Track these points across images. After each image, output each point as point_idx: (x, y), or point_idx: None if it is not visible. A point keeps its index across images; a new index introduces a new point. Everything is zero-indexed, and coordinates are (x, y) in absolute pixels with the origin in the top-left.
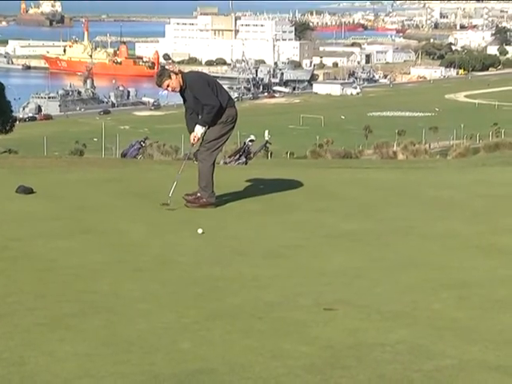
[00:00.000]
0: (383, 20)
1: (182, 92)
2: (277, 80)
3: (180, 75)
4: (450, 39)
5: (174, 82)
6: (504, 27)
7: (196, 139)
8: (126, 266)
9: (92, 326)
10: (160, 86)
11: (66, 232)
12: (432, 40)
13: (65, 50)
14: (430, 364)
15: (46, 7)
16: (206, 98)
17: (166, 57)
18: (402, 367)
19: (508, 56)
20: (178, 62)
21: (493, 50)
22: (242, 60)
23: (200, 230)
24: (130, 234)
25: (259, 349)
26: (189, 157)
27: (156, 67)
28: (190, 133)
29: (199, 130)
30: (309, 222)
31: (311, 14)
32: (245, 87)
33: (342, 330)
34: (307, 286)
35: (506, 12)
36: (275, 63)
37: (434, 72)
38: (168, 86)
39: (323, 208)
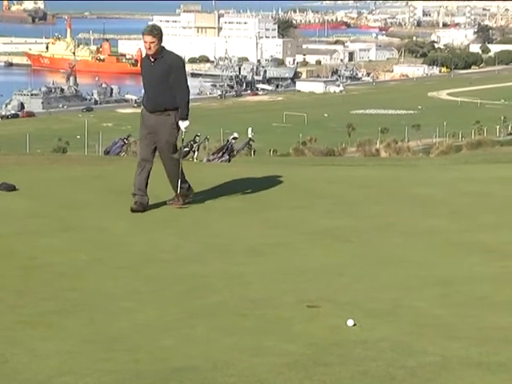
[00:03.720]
0: (366, 18)
1: (146, 63)
2: (260, 77)
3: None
4: (433, 37)
5: (157, 45)
6: (486, 25)
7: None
8: (109, 264)
9: (74, 323)
10: (145, 35)
11: (48, 229)
12: (415, 38)
13: (47, 47)
14: (412, 361)
15: (28, 4)
16: (185, 83)
17: None
18: (384, 364)
19: (490, 54)
20: None
21: (475, 48)
22: (225, 57)
23: (350, 322)
24: (112, 232)
25: (242, 346)
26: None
27: (139, 64)
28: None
29: (185, 124)
30: (291, 220)
31: (294, 11)
32: (228, 85)
33: (324, 328)
34: (290, 284)
35: (489, 10)
36: (258, 61)
37: (416, 70)
38: (151, 43)
39: (306, 205)
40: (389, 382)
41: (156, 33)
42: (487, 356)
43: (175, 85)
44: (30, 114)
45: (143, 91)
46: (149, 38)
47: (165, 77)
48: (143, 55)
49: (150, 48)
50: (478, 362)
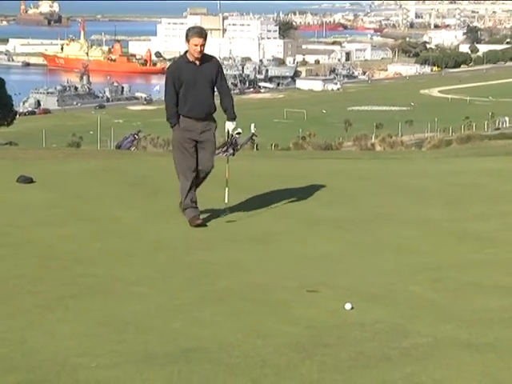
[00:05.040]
0: (362, 20)
1: (189, 67)
2: (262, 76)
3: None
4: (425, 38)
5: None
6: (475, 27)
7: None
8: (121, 252)
9: (89, 307)
10: (196, 38)
11: (64, 219)
12: (408, 39)
13: (62, 48)
14: (406, 342)
15: (44, 7)
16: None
17: (158, 54)
18: (380, 345)
19: (478, 54)
20: (169, 60)
21: (464, 48)
22: (229, 57)
23: (348, 306)
24: (124, 221)
25: (247, 328)
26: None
27: (148, 64)
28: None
29: (232, 126)
30: (292, 210)
31: (294, 14)
32: (232, 83)
33: (324, 311)
34: (291, 270)
35: (477, 13)
36: (260, 60)
37: (409, 69)
38: (202, 46)
39: (306, 196)
40: (384, 362)
41: (206, 34)
42: (476, 337)
43: (224, 85)
44: (46, 111)
45: (172, 98)
46: (201, 41)
47: (214, 79)
48: (153, 57)
49: (200, 51)
50: (468, 343)
